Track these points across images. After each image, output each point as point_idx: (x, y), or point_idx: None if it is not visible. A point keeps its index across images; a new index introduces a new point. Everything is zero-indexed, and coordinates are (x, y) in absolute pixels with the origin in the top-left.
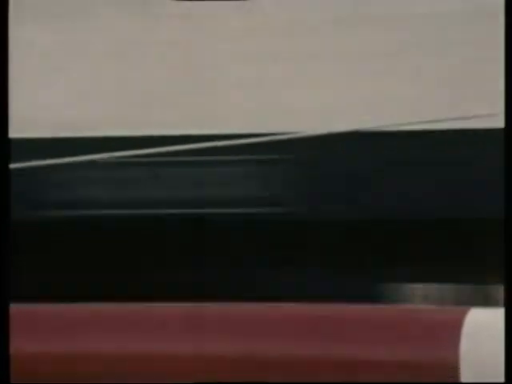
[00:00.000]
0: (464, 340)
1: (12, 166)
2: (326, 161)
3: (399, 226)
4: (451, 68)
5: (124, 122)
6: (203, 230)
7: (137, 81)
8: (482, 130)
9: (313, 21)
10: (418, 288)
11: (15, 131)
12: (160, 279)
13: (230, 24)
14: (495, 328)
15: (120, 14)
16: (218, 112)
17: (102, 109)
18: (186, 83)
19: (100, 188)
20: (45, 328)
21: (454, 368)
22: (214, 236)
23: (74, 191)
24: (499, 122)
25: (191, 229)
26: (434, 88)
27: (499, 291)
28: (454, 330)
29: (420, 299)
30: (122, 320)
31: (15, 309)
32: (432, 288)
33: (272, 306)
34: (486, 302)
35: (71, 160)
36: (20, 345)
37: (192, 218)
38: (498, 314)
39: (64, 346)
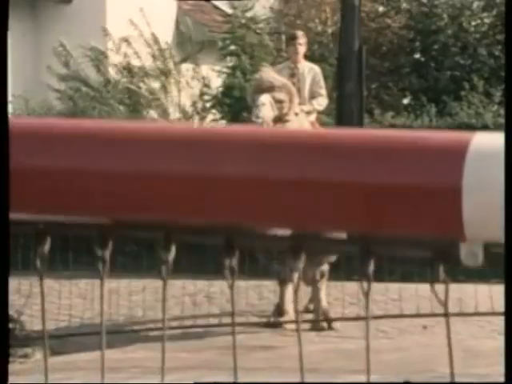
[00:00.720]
0: (468, 164)
1: None
2: None
3: None
4: None
5: None
6: None
7: None
8: None
9: None
10: None
11: None
12: None
13: None
14: (500, 153)
15: None
16: None
17: None
18: None
19: None
20: (46, 142)
21: (457, 192)
22: None
23: None
24: None
25: None
26: None
27: None
28: (458, 154)
29: None
30: (124, 138)
31: (15, 122)
32: None
33: (277, 130)
34: None
35: None
36: (20, 159)
37: None
38: (503, 139)
39: (66, 162)
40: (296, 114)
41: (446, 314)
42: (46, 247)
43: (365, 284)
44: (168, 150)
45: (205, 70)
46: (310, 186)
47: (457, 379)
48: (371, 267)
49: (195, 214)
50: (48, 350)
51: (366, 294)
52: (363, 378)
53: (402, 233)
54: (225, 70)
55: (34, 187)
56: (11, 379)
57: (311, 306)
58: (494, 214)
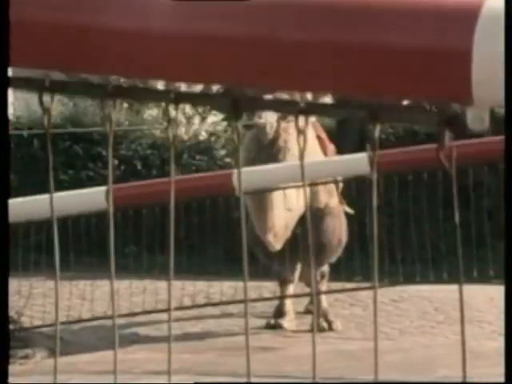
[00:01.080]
0: (479, 27)
1: None
2: None
3: None
4: None
5: None
6: None
7: None
8: None
9: None
10: None
11: None
12: None
13: None
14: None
15: None
16: None
17: None
18: None
19: None
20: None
21: (467, 54)
22: None
23: None
24: None
25: None
26: None
27: None
28: (469, 16)
29: None
30: None
31: None
32: None
33: None
34: None
35: None
36: (22, 12)
37: None
38: None
39: (70, 16)
40: None
41: (459, 283)
42: (53, 105)
43: (371, 153)
44: (172, 7)
45: None
46: (315, 48)
47: (459, 380)
48: (377, 133)
49: (199, 75)
50: (49, 351)
51: (372, 163)
52: (364, 380)
53: (410, 96)
54: None
55: (37, 42)
56: (12, 380)
57: (312, 307)
58: (502, 78)
